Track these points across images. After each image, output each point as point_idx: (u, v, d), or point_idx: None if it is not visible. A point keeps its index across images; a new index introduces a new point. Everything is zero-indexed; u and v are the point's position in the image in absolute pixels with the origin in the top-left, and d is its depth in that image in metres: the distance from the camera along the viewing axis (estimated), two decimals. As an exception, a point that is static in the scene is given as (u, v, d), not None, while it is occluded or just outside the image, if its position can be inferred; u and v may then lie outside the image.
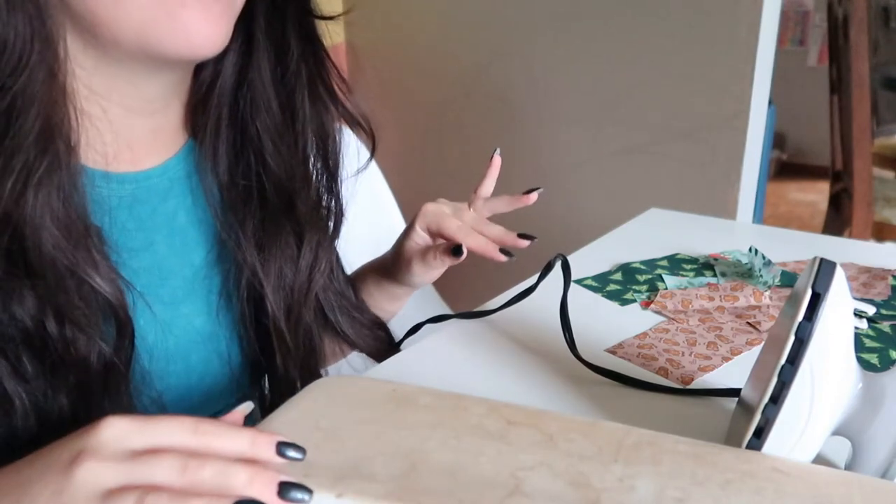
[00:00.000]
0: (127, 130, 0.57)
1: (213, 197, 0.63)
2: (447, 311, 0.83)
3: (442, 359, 0.65)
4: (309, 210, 0.65)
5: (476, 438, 0.43)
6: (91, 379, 0.51)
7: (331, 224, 0.68)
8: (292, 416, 0.45)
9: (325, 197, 0.67)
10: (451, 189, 1.99)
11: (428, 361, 0.65)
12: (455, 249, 0.66)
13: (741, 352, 0.66)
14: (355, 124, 0.66)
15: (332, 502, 0.37)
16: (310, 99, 0.63)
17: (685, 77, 1.54)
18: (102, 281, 0.51)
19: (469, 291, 0.87)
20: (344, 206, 0.68)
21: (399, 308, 0.79)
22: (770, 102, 1.56)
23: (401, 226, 1.35)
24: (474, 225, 0.69)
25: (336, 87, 0.64)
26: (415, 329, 0.74)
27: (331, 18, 0.62)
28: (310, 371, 0.67)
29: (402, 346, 0.73)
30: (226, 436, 0.38)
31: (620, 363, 0.64)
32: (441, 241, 0.69)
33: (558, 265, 0.71)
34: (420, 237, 0.70)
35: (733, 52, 1.47)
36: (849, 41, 2.05)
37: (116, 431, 0.37)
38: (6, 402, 0.48)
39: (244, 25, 0.60)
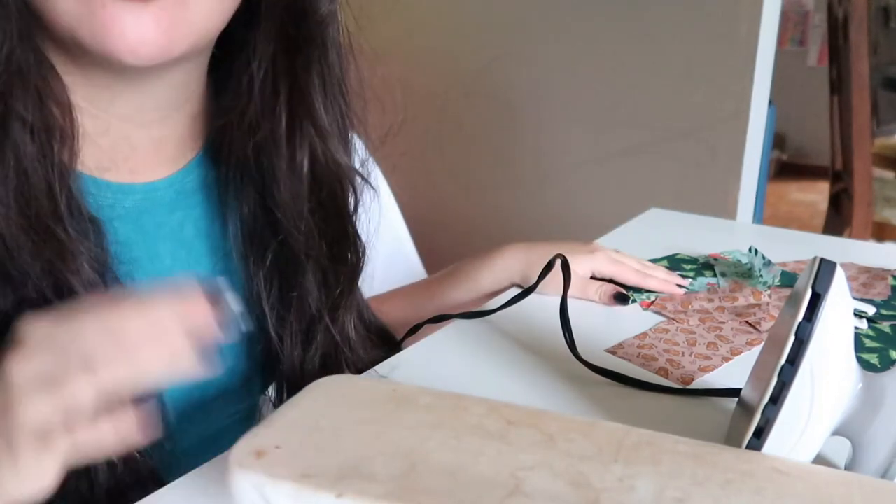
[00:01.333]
0: (125, 140, 0.56)
1: (226, 213, 0.62)
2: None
3: (442, 359, 0.65)
4: (332, 250, 0.63)
5: (476, 438, 0.43)
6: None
7: (355, 261, 0.65)
8: (292, 415, 0.45)
9: (346, 234, 0.64)
10: (451, 189, 1.99)
11: (428, 361, 0.65)
12: (624, 298, 0.75)
13: (741, 352, 0.66)
14: (353, 173, 0.64)
15: (333, 502, 0.37)
16: (317, 134, 0.60)
17: (685, 77, 1.55)
18: (81, 285, 0.50)
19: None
20: (365, 248, 0.66)
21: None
22: (770, 102, 1.56)
23: (401, 226, 1.35)
24: (642, 269, 0.79)
25: (343, 121, 0.62)
26: (415, 329, 0.74)
27: (324, 47, 0.59)
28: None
29: (402, 346, 0.73)
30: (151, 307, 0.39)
31: (620, 363, 0.64)
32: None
33: (558, 265, 0.71)
34: (582, 273, 0.77)
35: (733, 51, 1.47)
36: (849, 41, 2.06)
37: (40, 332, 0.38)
38: None
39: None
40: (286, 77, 0.59)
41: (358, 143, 0.67)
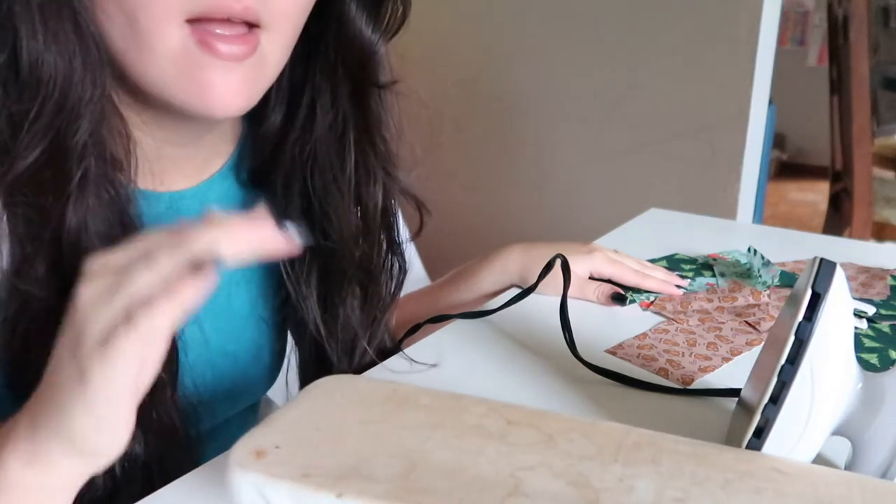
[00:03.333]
0: (157, 155, 0.58)
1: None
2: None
3: (442, 359, 0.65)
4: (372, 271, 0.66)
5: (476, 438, 0.43)
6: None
7: (395, 281, 0.69)
8: (292, 416, 0.45)
9: (387, 257, 0.68)
10: (450, 189, 1.99)
11: (428, 361, 0.65)
12: (622, 298, 0.75)
13: (741, 352, 0.66)
14: (406, 196, 0.67)
15: (333, 502, 0.37)
16: (363, 171, 0.63)
17: (685, 77, 1.55)
18: None
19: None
20: (405, 265, 0.70)
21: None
22: (770, 102, 1.56)
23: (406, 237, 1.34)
24: (641, 269, 0.79)
25: (388, 165, 0.65)
26: (415, 329, 0.74)
27: (385, 87, 0.63)
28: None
29: (402, 346, 0.73)
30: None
31: (620, 364, 0.64)
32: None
33: (558, 265, 0.71)
34: (581, 273, 0.77)
35: (733, 52, 1.47)
36: (849, 41, 2.05)
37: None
38: None
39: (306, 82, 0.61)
40: (352, 112, 0.62)
41: None
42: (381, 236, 0.66)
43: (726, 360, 0.64)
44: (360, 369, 0.66)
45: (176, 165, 0.59)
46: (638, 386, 0.59)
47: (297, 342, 0.69)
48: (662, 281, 0.78)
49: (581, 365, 0.61)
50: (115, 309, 0.37)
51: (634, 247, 0.88)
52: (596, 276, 0.79)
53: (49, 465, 0.39)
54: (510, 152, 1.86)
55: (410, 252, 1.28)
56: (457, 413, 0.45)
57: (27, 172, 0.48)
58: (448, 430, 0.43)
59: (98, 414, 0.37)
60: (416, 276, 0.98)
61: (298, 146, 0.63)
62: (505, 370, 0.63)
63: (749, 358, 0.64)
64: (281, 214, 0.62)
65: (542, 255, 0.74)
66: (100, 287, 0.37)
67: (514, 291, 0.74)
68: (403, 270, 0.69)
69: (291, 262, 0.64)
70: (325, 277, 0.65)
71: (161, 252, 0.37)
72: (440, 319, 0.73)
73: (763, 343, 0.52)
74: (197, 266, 0.37)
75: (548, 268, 0.72)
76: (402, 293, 0.86)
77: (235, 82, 0.51)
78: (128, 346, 0.36)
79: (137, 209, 0.55)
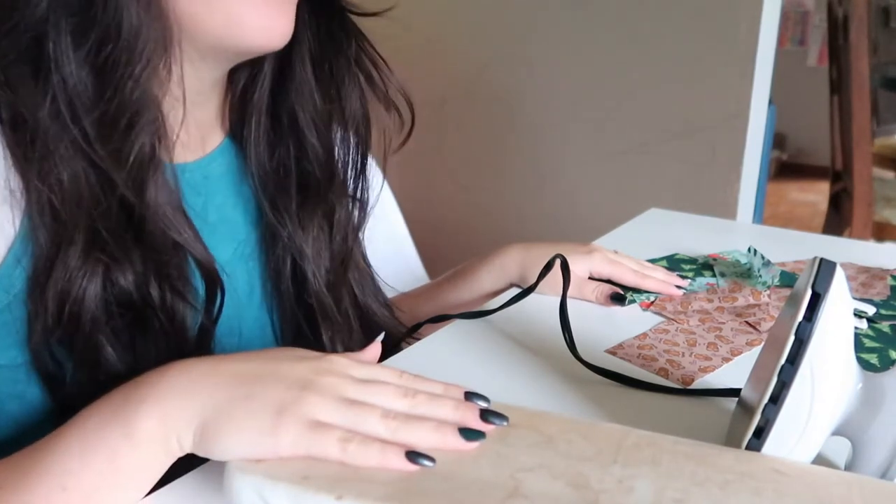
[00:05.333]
0: (174, 121, 0.58)
1: (256, 182, 0.66)
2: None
3: (442, 359, 0.65)
4: (342, 192, 0.68)
5: (475, 439, 0.43)
6: (186, 342, 0.56)
7: (365, 199, 0.71)
8: (291, 416, 0.44)
9: (354, 179, 0.70)
10: (451, 189, 1.99)
11: (428, 361, 0.65)
12: (620, 298, 0.75)
13: (741, 352, 0.65)
14: (390, 106, 0.69)
15: None
16: (349, 84, 0.66)
17: (685, 77, 1.55)
18: (201, 250, 0.57)
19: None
20: (370, 192, 0.72)
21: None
22: (770, 102, 1.56)
23: (402, 228, 1.34)
24: (640, 269, 0.78)
25: (374, 70, 0.67)
26: (415, 329, 0.74)
27: (372, 15, 0.66)
28: (359, 342, 0.69)
29: (402, 346, 0.73)
30: (433, 402, 0.44)
31: (620, 364, 0.64)
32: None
33: (557, 265, 0.71)
34: (580, 272, 0.77)
35: (733, 51, 1.47)
36: (849, 41, 2.06)
37: (339, 378, 0.43)
38: (110, 371, 0.52)
39: None
40: (336, 31, 0.65)
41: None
42: (358, 149, 0.69)
43: (726, 360, 0.64)
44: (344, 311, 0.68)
45: (188, 135, 0.61)
46: (638, 386, 0.59)
47: (276, 278, 0.69)
48: (662, 281, 0.78)
49: (581, 365, 0.61)
50: (373, 422, 0.41)
51: (634, 247, 0.88)
52: (595, 276, 0.78)
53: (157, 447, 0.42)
54: (510, 152, 1.86)
55: (409, 251, 1.28)
56: (456, 414, 0.45)
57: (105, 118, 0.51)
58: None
59: (243, 452, 0.41)
60: (415, 275, 0.98)
61: (271, 74, 0.65)
62: (505, 370, 0.63)
63: (749, 358, 0.64)
64: (253, 144, 0.66)
65: (542, 254, 0.74)
66: (325, 412, 0.41)
67: (514, 291, 0.74)
68: (365, 197, 0.71)
69: (267, 195, 0.66)
70: (301, 206, 0.66)
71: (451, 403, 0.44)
72: (440, 319, 0.73)
73: (763, 343, 0.52)
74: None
75: (547, 268, 0.72)
76: (402, 291, 0.86)
77: (286, 11, 0.56)
78: (358, 454, 0.40)
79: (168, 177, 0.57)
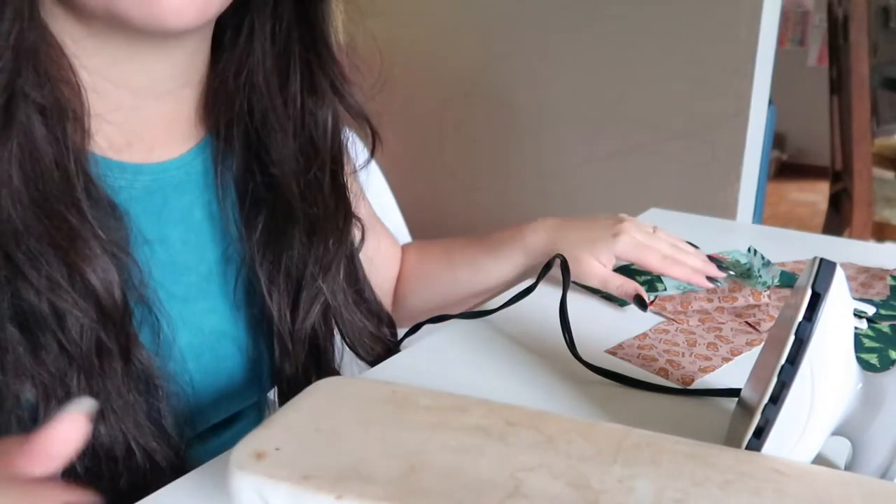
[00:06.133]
0: (136, 114, 0.56)
1: (228, 193, 0.62)
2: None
3: (442, 359, 0.65)
4: (317, 211, 0.63)
5: (476, 439, 0.43)
6: (84, 358, 0.50)
7: (340, 225, 0.66)
8: (292, 417, 0.45)
9: (331, 196, 0.65)
10: (450, 189, 1.99)
11: (428, 361, 0.65)
12: (642, 303, 0.70)
13: (741, 352, 0.65)
14: (359, 119, 0.65)
15: None
16: (310, 91, 0.61)
17: (685, 77, 1.55)
18: (93, 271, 0.50)
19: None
20: (351, 206, 0.67)
21: (488, 292, 0.81)
22: (770, 102, 1.56)
23: (400, 224, 1.35)
24: (672, 254, 0.72)
25: (336, 79, 0.62)
26: (415, 329, 0.74)
27: None
28: (315, 371, 0.66)
29: (402, 346, 0.73)
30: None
31: (620, 364, 0.64)
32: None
33: (557, 264, 0.71)
34: (606, 259, 0.73)
35: (733, 51, 1.47)
36: (849, 41, 2.05)
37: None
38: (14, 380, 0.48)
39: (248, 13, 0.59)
40: (296, 23, 0.60)
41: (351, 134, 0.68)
42: (329, 168, 0.64)
43: (726, 360, 0.64)
44: (311, 333, 0.64)
45: (161, 131, 0.58)
46: (638, 386, 0.59)
47: (249, 305, 0.65)
48: (693, 270, 0.72)
49: (581, 365, 0.61)
50: None
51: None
52: (621, 260, 0.75)
53: None
54: (510, 152, 1.86)
55: (396, 220, 1.27)
56: (456, 414, 0.45)
57: None
58: (448, 432, 0.43)
59: None
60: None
61: (234, 68, 0.60)
62: (505, 370, 0.63)
63: (749, 358, 0.64)
64: (229, 149, 0.61)
65: (571, 237, 0.73)
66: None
67: (514, 291, 0.74)
68: (349, 215, 0.66)
69: (240, 205, 0.62)
70: (270, 219, 0.62)
71: None
72: (440, 319, 0.73)
73: (763, 343, 0.52)
74: None
75: (547, 267, 0.72)
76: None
77: None
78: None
79: (108, 180, 0.53)
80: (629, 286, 0.72)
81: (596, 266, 0.73)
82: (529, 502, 0.37)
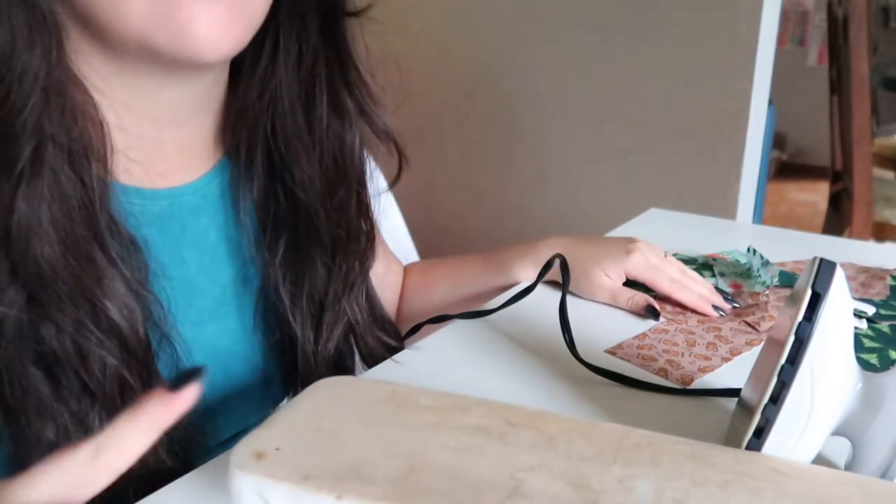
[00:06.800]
0: (156, 144, 0.56)
1: (247, 215, 0.62)
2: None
3: (442, 359, 0.65)
4: (341, 232, 0.63)
5: (476, 439, 0.43)
6: (107, 396, 0.50)
7: (364, 246, 0.66)
8: (293, 417, 0.45)
9: (356, 218, 0.65)
10: (450, 189, 1.99)
11: (428, 361, 0.65)
12: (655, 313, 0.71)
13: (741, 352, 0.65)
14: (386, 141, 0.64)
15: None
16: (336, 113, 0.61)
17: (685, 77, 1.55)
18: (118, 310, 0.50)
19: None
20: (376, 227, 0.67)
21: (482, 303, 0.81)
22: (770, 102, 1.56)
23: (401, 227, 1.35)
24: (680, 279, 0.74)
25: (363, 100, 0.62)
26: (415, 329, 0.74)
27: (355, 15, 0.60)
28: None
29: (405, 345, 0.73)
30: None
31: (620, 364, 0.64)
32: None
33: (557, 264, 0.71)
34: (616, 275, 0.74)
35: (733, 51, 1.47)
36: (849, 41, 2.05)
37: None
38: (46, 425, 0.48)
39: (273, 33, 0.58)
40: (322, 45, 0.59)
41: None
42: (356, 190, 0.63)
43: (726, 360, 0.64)
44: (334, 354, 0.64)
45: (176, 157, 0.58)
46: (637, 386, 0.59)
47: (266, 326, 0.65)
48: (700, 297, 0.72)
49: (581, 365, 0.61)
50: None
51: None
52: (630, 278, 0.75)
53: None
54: (510, 152, 1.86)
55: (407, 249, 1.27)
56: (457, 414, 0.45)
57: None
58: (448, 432, 0.43)
59: None
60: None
61: (256, 91, 0.59)
62: (505, 370, 0.63)
63: (749, 358, 0.64)
64: (249, 172, 0.60)
65: (584, 256, 0.73)
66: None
67: (514, 291, 0.74)
68: (372, 236, 0.66)
69: (261, 228, 0.62)
70: (292, 241, 0.62)
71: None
72: (440, 320, 0.73)
73: (763, 343, 0.52)
74: None
75: (547, 267, 0.72)
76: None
77: (221, 20, 0.48)
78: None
79: (125, 205, 0.53)
80: (639, 299, 0.72)
81: (604, 280, 0.74)
82: (529, 502, 0.37)
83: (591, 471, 0.40)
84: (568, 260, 0.73)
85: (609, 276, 0.74)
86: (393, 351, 0.70)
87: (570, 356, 0.62)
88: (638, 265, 0.74)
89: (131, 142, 0.54)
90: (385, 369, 0.64)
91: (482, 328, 0.70)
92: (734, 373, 0.62)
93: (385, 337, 0.70)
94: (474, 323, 0.71)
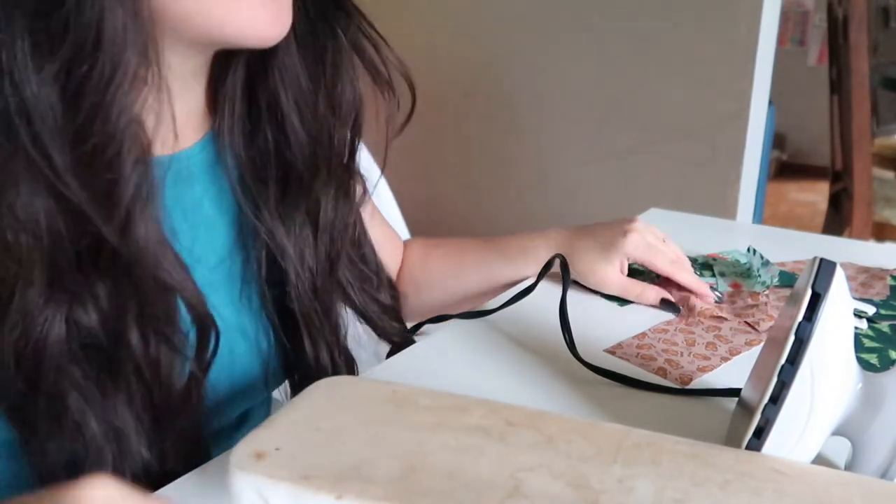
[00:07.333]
0: (168, 111, 0.54)
1: (233, 176, 0.61)
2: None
3: (442, 359, 0.65)
4: (330, 181, 0.62)
5: (476, 439, 0.43)
6: (171, 393, 0.51)
7: (354, 193, 0.66)
8: (292, 417, 0.45)
9: (343, 172, 0.64)
10: (450, 189, 1.99)
11: (428, 361, 0.65)
12: (672, 306, 0.72)
13: (740, 352, 0.65)
14: (389, 90, 0.63)
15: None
16: (342, 67, 0.61)
17: (685, 77, 1.55)
18: (192, 291, 0.51)
19: (469, 291, 0.88)
20: (365, 176, 0.67)
21: (495, 295, 0.80)
22: (770, 102, 1.56)
23: (399, 221, 1.35)
24: (678, 260, 0.75)
25: (374, 52, 0.62)
26: (415, 329, 0.74)
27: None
28: (343, 355, 0.66)
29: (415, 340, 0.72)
30: None
31: (620, 364, 0.64)
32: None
33: (557, 264, 0.71)
34: (619, 261, 0.74)
35: (733, 51, 1.47)
36: (849, 41, 2.05)
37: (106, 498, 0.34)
38: (75, 425, 0.47)
39: None
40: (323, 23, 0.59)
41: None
42: (350, 136, 0.63)
43: (725, 359, 0.64)
44: (323, 307, 0.63)
45: (182, 124, 0.57)
46: (637, 386, 0.59)
47: (262, 299, 0.64)
48: (697, 279, 0.75)
49: (581, 365, 0.61)
50: None
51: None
52: (630, 262, 0.76)
53: None
54: (510, 152, 1.86)
55: (396, 217, 1.26)
56: (457, 414, 0.45)
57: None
58: (448, 432, 0.43)
59: None
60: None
61: (247, 54, 0.59)
62: (505, 370, 0.63)
63: (748, 358, 0.64)
64: (233, 141, 0.60)
65: (586, 247, 0.74)
66: None
67: (514, 291, 0.74)
68: (354, 191, 0.66)
69: (245, 187, 0.61)
70: (284, 198, 0.61)
71: None
72: (440, 319, 0.73)
73: (763, 343, 0.52)
74: None
75: (547, 266, 0.72)
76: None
77: (285, 8, 0.51)
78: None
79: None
80: (650, 293, 0.73)
81: (612, 274, 0.74)
82: (529, 502, 0.37)
83: (591, 471, 0.40)
84: (571, 254, 0.74)
85: (615, 267, 0.74)
86: (389, 312, 0.70)
87: (570, 356, 0.62)
88: (636, 246, 0.74)
89: (153, 108, 0.53)
90: (385, 369, 0.64)
91: (482, 328, 0.70)
92: (734, 373, 0.62)
93: (382, 297, 0.70)
94: (474, 323, 0.71)
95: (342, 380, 0.50)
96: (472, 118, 1.89)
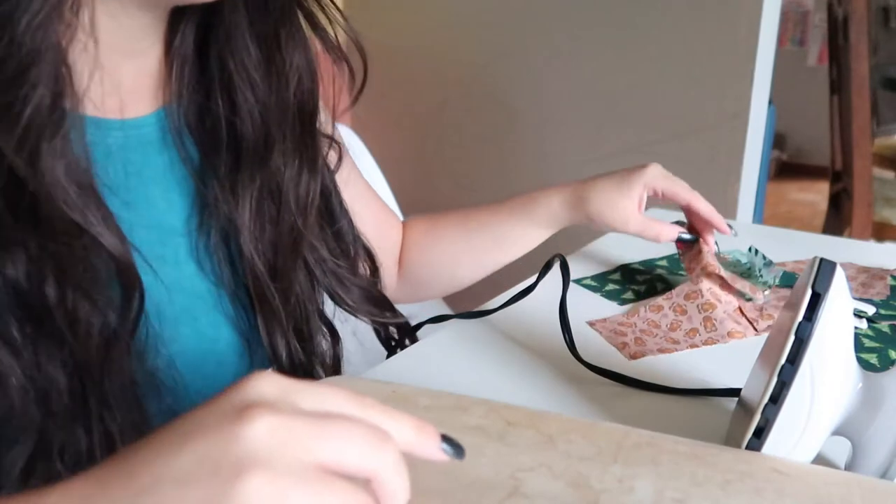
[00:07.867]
0: (114, 72, 0.54)
1: (188, 146, 0.60)
2: (447, 310, 0.84)
3: (442, 359, 0.65)
4: (288, 151, 0.60)
5: (475, 439, 0.43)
6: (90, 351, 0.48)
7: (320, 164, 0.64)
8: (291, 416, 0.44)
9: (305, 135, 0.62)
10: (450, 189, 1.99)
11: (428, 361, 0.65)
12: (690, 241, 0.74)
13: (716, 342, 0.66)
14: (339, 57, 0.61)
15: (332, 503, 0.37)
16: (290, 29, 0.59)
17: (685, 77, 1.54)
18: (112, 238, 0.48)
19: (468, 291, 0.87)
20: (322, 148, 0.65)
21: (506, 258, 0.81)
22: (770, 102, 1.56)
23: (391, 202, 1.34)
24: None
25: (321, 13, 0.60)
26: (415, 329, 0.74)
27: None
28: (301, 343, 0.62)
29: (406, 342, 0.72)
30: (393, 417, 0.31)
31: (619, 363, 0.64)
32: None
33: (557, 264, 0.71)
34: (638, 194, 0.76)
35: (733, 51, 1.47)
36: (849, 41, 2.05)
37: (279, 387, 0.29)
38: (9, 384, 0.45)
39: None
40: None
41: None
42: (301, 103, 0.61)
43: (693, 346, 0.65)
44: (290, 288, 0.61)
45: (132, 88, 0.56)
46: (638, 386, 0.59)
47: (233, 269, 0.61)
48: (715, 211, 0.77)
49: (581, 365, 0.61)
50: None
51: (635, 246, 0.88)
52: (650, 192, 0.77)
53: None
54: (510, 152, 1.86)
55: (387, 198, 1.24)
56: (456, 414, 0.45)
57: None
58: (448, 431, 0.43)
59: None
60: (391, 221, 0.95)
61: (199, 17, 0.58)
62: (505, 370, 0.63)
63: (743, 355, 0.64)
64: (193, 109, 0.59)
65: (602, 187, 0.76)
66: (296, 434, 0.28)
67: (514, 291, 0.74)
68: (320, 161, 0.63)
69: (198, 157, 0.60)
70: (237, 161, 0.59)
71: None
72: (440, 319, 0.73)
73: (763, 343, 0.52)
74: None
75: (547, 267, 0.72)
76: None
77: None
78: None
79: (89, 137, 0.50)
80: (669, 230, 0.76)
81: (632, 209, 0.75)
82: (529, 502, 0.37)
83: (591, 470, 0.40)
84: (586, 194, 0.76)
85: (633, 201, 0.75)
86: (364, 290, 0.67)
87: (570, 356, 0.62)
88: (656, 175, 0.76)
89: (90, 68, 0.52)
90: (385, 369, 0.64)
91: (482, 328, 0.70)
92: (734, 373, 0.62)
93: (357, 275, 0.67)
94: (474, 323, 0.71)
95: (342, 380, 0.50)
96: (472, 118, 1.89)
